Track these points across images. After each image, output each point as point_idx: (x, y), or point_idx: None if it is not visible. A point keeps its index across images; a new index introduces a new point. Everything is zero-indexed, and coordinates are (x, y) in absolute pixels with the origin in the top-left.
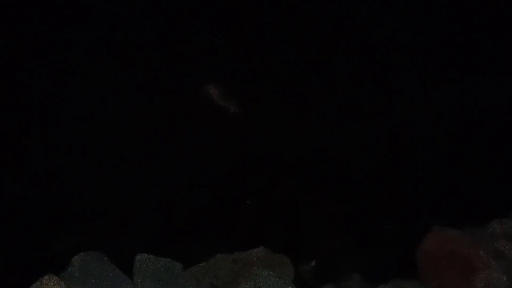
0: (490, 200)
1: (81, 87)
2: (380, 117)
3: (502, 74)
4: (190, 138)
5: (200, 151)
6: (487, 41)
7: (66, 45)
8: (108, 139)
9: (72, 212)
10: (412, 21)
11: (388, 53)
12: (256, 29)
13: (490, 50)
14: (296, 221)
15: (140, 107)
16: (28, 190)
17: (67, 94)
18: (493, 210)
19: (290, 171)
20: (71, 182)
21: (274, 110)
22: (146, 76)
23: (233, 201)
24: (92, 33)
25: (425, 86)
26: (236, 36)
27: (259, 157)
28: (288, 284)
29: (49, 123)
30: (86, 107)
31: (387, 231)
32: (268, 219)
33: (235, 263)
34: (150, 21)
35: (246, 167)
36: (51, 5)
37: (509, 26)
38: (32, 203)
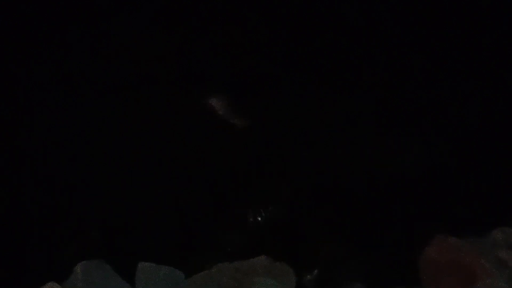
0: (493, 209)
1: (80, 93)
2: (382, 125)
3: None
4: (191, 148)
5: (202, 160)
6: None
7: (70, 49)
8: (111, 147)
9: (74, 221)
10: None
11: (390, 65)
12: (262, 41)
13: (489, 51)
14: (298, 229)
15: (144, 117)
16: (30, 197)
17: (71, 100)
18: (496, 219)
19: (292, 180)
20: (74, 190)
21: (276, 120)
22: (152, 87)
23: (235, 209)
24: (97, 42)
25: (427, 93)
26: (241, 48)
27: (261, 166)
28: None
29: (53, 132)
30: (89, 116)
31: (390, 239)
32: (270, 228)
33: (237, 271)
34: (154, 31)
35: (248, 176)
36: (51, 6)
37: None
38: (34, 211)
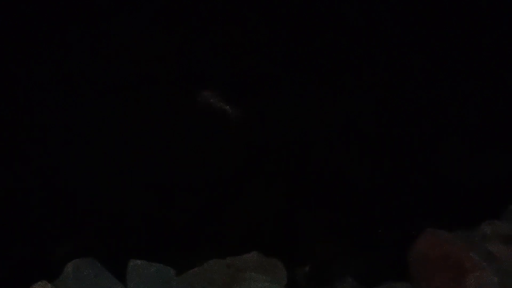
0: (482, 202)
1: (80, 93)
2: (374, 123)
3: (500, 74)
4: (184, 144)
5: (194, 155)
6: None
7: (70, 49)
8: (103, 146)
9: (65, 219)
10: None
11: (390, 65)
12: (262, 41)
13: (489, 51)
14: (289, 225)
15: (144, 117)
16: (21, 196)
17: (71, 100)
18: (485, 212)
19: (283, 176)
20: (66, 188)
21: (272, 115)
22: (152, 87)
23: (226, 205)
24: (97, 42)
25: (420, 91)
26: (241, 48)
27: (253, 162)
28: None
29: (52, 131)
30: (84, 115)
31: (380, 234)
32: (261, 224)
33: (228, 268)
34: (154, 31)
35: (239, 172)
36: (51, 6)
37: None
38: (25, 210)
